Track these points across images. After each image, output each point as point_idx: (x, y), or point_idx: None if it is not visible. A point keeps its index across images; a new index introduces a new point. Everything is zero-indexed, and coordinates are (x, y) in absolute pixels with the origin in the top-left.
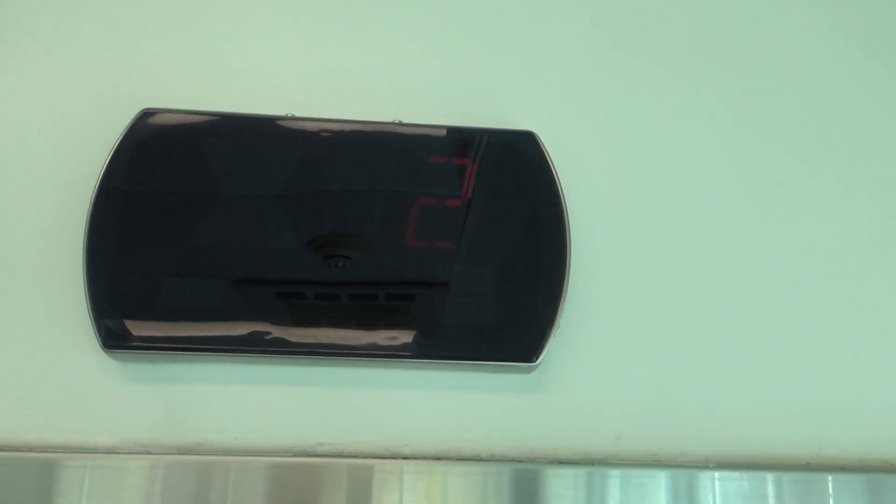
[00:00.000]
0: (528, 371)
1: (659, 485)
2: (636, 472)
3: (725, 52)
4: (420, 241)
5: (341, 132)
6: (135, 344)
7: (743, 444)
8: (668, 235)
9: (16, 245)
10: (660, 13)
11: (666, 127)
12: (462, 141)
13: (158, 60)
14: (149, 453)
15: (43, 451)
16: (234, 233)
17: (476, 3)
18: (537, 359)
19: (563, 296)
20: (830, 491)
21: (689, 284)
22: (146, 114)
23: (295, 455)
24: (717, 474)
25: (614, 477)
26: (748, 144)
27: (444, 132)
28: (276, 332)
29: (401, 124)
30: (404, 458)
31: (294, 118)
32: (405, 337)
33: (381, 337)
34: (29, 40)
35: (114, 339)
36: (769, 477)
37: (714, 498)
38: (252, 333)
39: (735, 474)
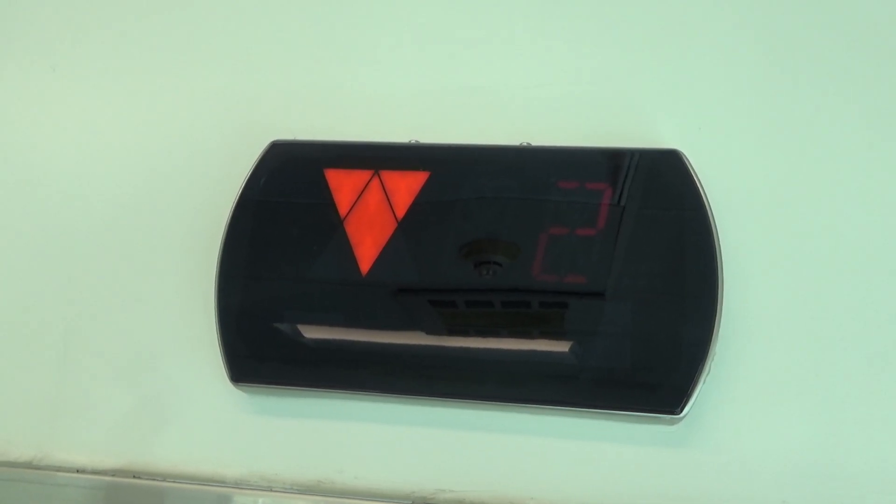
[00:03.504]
0: (672, 423)
1: None
2: None
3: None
4: (548, 276)
5: (467, 156)
6: (262, 379)
7: None
8: (842, 266)
9: (148, 275)
10: (822, 22)
11: (830, 144)
12: (595, 163)
13: (285, 91)
14: (271, 490)
15: (175, 481)
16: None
17: (608, 8)
18: (683, 410)
19: (714, 334)
20: None
21: (868, 318)
22: (275, 146)
23: (413, 502)
24: None
25: None
26: None
27: (574, 154)
28: (402, 370)
29: (529, 147)
30: None
31: (418, 144)
32: (534, 381)
33: (510, 381)
34: (165, 73)
35: (242, 373)
36: None
37: None
38: (377, 373)
39: None
